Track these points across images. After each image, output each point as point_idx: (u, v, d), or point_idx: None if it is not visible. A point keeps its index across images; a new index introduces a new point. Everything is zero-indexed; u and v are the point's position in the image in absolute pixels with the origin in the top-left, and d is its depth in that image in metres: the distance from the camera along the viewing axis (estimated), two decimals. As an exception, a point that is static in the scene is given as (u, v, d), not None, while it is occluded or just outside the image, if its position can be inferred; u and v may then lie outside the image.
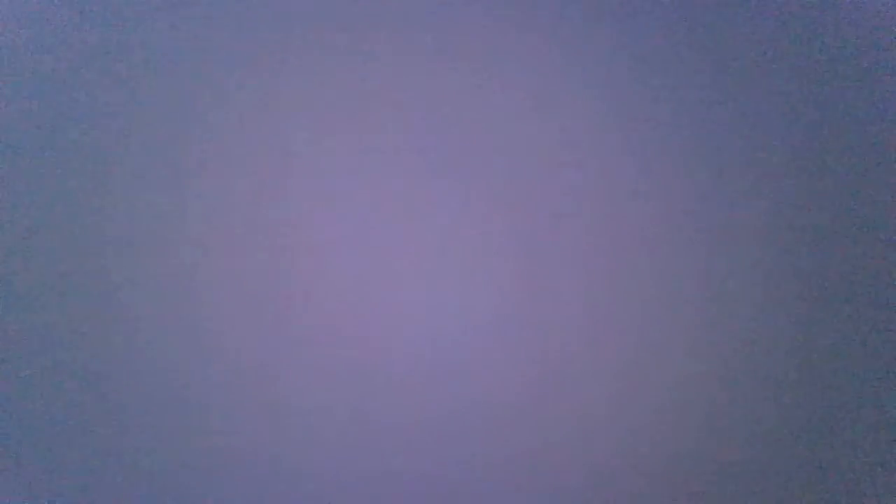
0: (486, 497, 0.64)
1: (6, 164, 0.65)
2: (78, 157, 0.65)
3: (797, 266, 0.65)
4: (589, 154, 0.65)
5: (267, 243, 0.64)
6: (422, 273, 0.64)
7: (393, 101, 0.65)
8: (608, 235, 0.64)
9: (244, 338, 0.64)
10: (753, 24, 0.66)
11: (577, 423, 0.64)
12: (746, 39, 0.66)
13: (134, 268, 0.64)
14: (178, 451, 0.64)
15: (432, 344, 0.64)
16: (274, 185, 0.64)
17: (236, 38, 0.65)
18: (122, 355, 0.64)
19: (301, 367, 0.64)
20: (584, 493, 0.64)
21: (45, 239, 0.65)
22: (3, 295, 0.65)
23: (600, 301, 0.64)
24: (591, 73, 0.65)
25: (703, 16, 0.66)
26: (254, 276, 0.64)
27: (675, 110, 0.65)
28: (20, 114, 0.66)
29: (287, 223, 0.64)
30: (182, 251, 0.64)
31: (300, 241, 0.64)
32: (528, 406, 0.64)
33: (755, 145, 0.65)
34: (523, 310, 0.64)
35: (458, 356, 0.64)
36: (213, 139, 0.65)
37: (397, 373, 0.64)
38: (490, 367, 0.64)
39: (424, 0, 0.66)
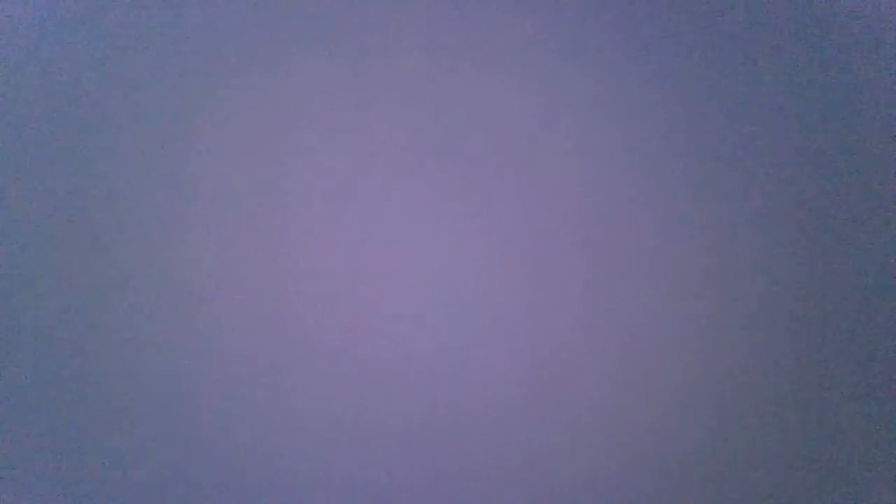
0: (486, 497, 0.64)
1: (6, 164, 0.65)
2: (78, 157, 0.65)
3: (797, 266, 0.65)
4: (589, 153, 0.65)
5: (267, 243, 0.64)
6: (422, 273, 0.64)
7: (393, 102, 0.65)
8: (608, 235, 0.64)
9: (244, 338, 0.64)
10: (753, 24, 0.66)
11: (576, 423, 0.64)
12: (746, 39, 0.66)
13: (134, 268, 0.64)
14: (177, 452, 0.64)
15: (432, 344, 0.64)
16: (275, 186, 0.65)
17: (236, 39, 0.65)
18: (122, 356, 0.64)
19: (300, 367, 0.64)
20: (585, 493, 0.64)
21: (44, 239, 0.65)
22: (4, 295, 0.65)
23: (600, 301, 0.64)
24: (591, 73, 0.65)
25: (704, 16, 0.66)
26: (253, 277, 0.64)
27: (675, 110, 0.65)
28: (20, 114, 0.66)
29: (287, 223, 0.64)
30: (182, 251, 0.64)
31: (300, 240, 0.64)
32: (528, 406, 0.64)
33: (755, 145, 0.65)
34: (523, 310, 0.64)
35: (458, 356, 0.64)
36: (213, 139, 0.65)
37: (397, 373, 0.64)
38: (490, 367, 0.64)
39: (425, 0, 0.66)
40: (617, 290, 0.64)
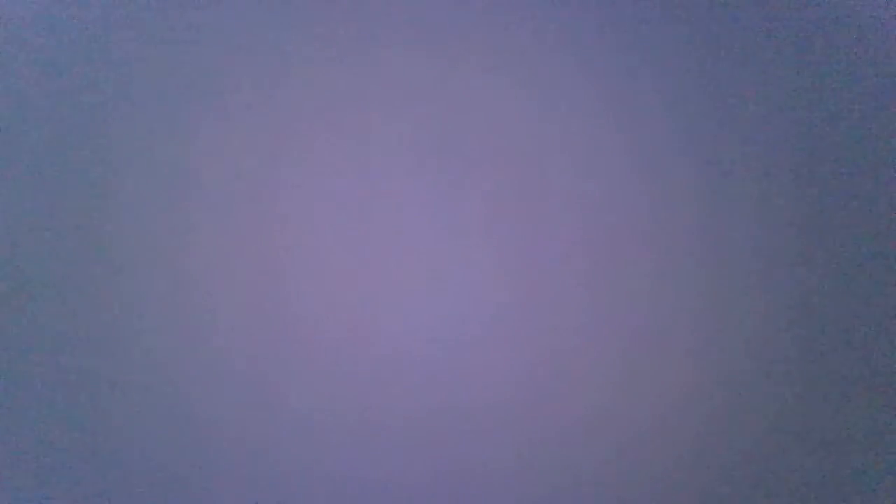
0: (486, 496, 0.64)
1: (6, 165, 0.65)
2: (77, 158, 0.65)
3: (798, 265, 0.65)
4: (589, 154, 0.65)
5: (267, 243, 0.64)
6: (423, 272, 0.64)
7: (392, 103, 0.65)
8: (609, 235, 0.64)
9: (244, 338, 0.64)
10: (753, 24, 0.66)
11: (577, 423, 0.64)
12: (746, 39, 0.66)
13: (133, 270, 0.64)
14: (177, 450, 0.64)
15: (432, 344, 0.64)
16: (275, 185, 0.64)
17: (236, 38, 0.65)
18: (121, 357, 0.64)
19: (300, 366, 0.64)
20: (585, 493, 0.64)
21: (44, 239, 0.65)
22: (4, 296, 0.65)
23: (599, 301, 0.64)
24: (591, 73, 0.65)
25: (703, 16, 0.66)
26: (253, 277, 0.64)
27: (677, 109, 0.65)
28: (20, 115, 0.66)
29: (287, 223, 0.64)
30: (181, 252, 0.64)
31: (300, 240, 0.64)
32: (529, 405, 0.64)
33: (755, 145, 0.65)
34: (524, 309, 0.64)
35: (458, 356, 0.64)
36: (213, 138, 0.65)
37: (397, 372, 0.64)
38: (490, 366, 0.64)
39: (424, 0, 0.66)
40: (618, 290, 0.64)
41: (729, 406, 0.64)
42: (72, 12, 0.66)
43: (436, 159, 0.64)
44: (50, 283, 0.64)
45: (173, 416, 0.64)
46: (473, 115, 0.65)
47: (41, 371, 0.64)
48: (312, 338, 0.64)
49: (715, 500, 0.64)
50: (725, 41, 0.65)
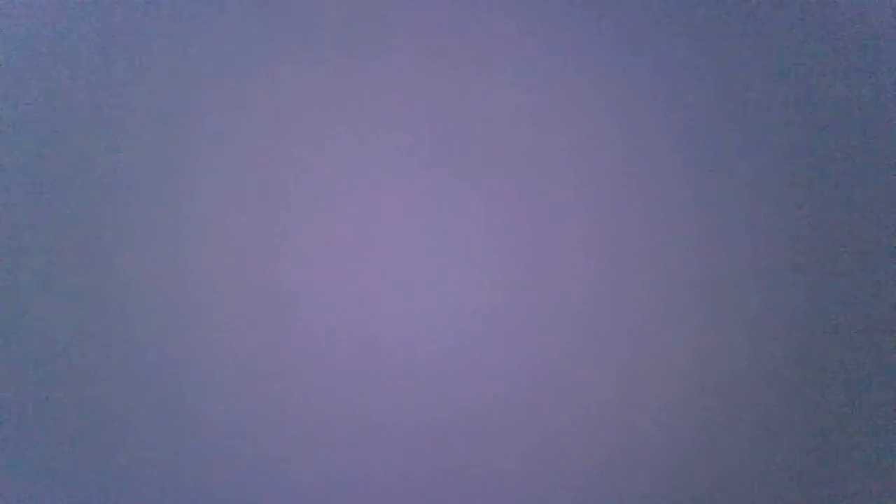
0: (488, 496, 0.64)
1: (6, 164, 0.65)
2: (78, 157, 0.65)
3: (799, 266, 0.65)
4: (588, 153, 0.65)
5: (266, 244, 0.64)
6: (424, 273, 0.64)
7: (391, 102, 0.65)
8: (606, 235, 0.64)
9: (244, 339, 0.64)
10: (753, 24, 0.66)
11: (576, 423, 0.64)
12: (746, 39, 0.66)
13: (134, 269, 0.64)
14: (177, 452, 0.64)
15: (432, 344, 0.64)
16: (273, 185, 0.65)
17: (236, 38, 0.66)
18: (121, 357, 0.64)
19: (300, 367, 0.64)
20: (585, 493, 0.64)
21: (44, 239, 0.65)
22: (3, 295, 0.65)
23: (599, 300, 0.64)
24: (590, 73, 0.65)
25: (703, 16, 0.66)
26: (254, 278, 0.64)
27: (677, 110, 0.65)
28: (20, 114, 0.66)
29: (286, 223, 0.64)
30: (182, 251, 0.64)
31: (300, 241, 0.64)
32: (530, 405, 0.64)
33: (756, 146, 0.65)
34: (523, 309, 0.64)
35: (458, 356, 0.64)
36: (213, 138, 0.65)
37: (397, 372, 0.64)
38: (490, 366, 0.64)
39: (424, 0, 0.66)
40: (618, 291, 0.64)
41: (729, 406, 0.64)
42: (72, 11, 0.66)
43: (436, 159, 0.65)
44: (50, 282, 0.64)
45: (173, 416, 0.64)
46: (473, 115, 0.65)
47: (41, 371, 0.64)
48: (313, 337, 0.64)
49: (715, 499, 0.64)
50: (726, 41, 0.66)
